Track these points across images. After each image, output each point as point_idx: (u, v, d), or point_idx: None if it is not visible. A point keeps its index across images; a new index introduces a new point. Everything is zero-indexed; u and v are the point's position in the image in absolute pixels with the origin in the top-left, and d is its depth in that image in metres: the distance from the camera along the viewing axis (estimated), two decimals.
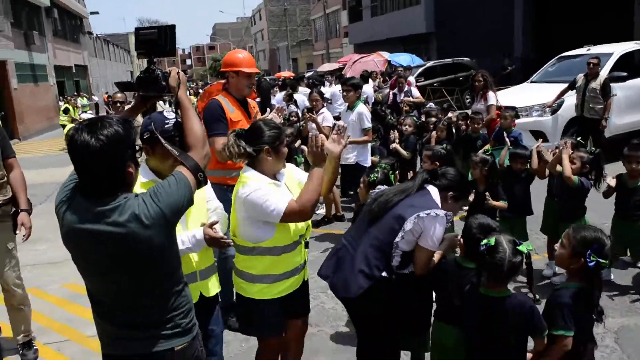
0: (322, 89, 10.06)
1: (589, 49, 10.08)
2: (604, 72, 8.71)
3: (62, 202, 2.05)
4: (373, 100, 11.16)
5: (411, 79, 14.68)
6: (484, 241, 2.48)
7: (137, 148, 2.10)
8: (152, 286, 2.11)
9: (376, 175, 3.87)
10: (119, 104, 6.50)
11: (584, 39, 12.53)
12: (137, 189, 2.27)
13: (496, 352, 2.54)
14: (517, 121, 6.59)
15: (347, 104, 6.54)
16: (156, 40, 2.44)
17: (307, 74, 23.51)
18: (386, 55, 21.55)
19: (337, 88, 11.14)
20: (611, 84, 8.54)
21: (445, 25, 26.08)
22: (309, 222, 2.94)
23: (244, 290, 2.88)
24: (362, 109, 6.35)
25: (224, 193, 3.66)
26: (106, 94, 35.75)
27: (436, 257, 2.81)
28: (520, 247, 2.44)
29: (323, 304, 4.63)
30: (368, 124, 6.32)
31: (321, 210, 7.16)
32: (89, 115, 18.55)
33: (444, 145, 5.54)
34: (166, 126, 2.51)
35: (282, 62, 59.97)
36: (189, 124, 2.30)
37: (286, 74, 32.25)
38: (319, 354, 3.84)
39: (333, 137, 2.89)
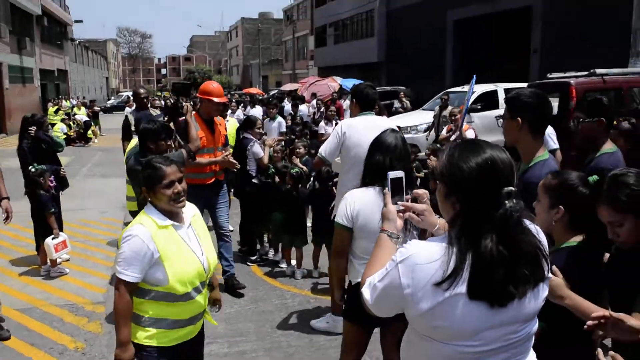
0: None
1: (463, 87, 13.66)
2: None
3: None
4: (306, 117, 14.52)
5: (347, 103, 18.16)
6: None
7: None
8: None
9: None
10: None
11: (495, 76, 15.47)
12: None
13: None
14: None
15: (270, 116, 9.92)
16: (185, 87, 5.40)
17: (272, 92, 27.02)
18: (339, 80, 25.04)
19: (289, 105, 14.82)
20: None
21: (394, 56, 29.72)
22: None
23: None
24: (280, 119, 9.78)
25: (200, 190, 4.87)
26: (77, 97, 37.75)
27: None
28: None
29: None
30: (284, 129, 9.74)
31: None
32: (81, 116, 21.44)
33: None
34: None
35: (254, 78, 62.46)
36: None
37: (253, 90, 35.62)
38: None
39: None
